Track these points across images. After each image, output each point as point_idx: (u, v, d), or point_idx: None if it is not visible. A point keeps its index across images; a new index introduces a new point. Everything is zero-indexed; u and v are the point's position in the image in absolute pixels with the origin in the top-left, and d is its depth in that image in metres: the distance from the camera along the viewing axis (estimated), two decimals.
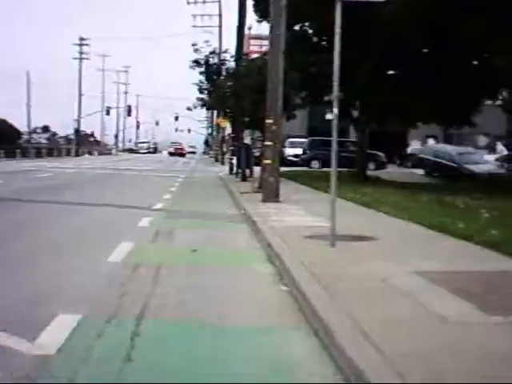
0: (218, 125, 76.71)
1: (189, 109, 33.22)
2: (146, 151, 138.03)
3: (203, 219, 16.76)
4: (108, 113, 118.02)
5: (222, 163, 64.20)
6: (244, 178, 32.36)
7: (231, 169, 40.16)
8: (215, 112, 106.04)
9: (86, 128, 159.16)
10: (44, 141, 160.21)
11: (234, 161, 38.91)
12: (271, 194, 19.71)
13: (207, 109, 37.46)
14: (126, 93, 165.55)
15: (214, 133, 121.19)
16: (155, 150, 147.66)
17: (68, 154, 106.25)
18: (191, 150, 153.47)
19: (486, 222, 14.42)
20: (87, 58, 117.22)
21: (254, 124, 25.28)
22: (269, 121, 20.02)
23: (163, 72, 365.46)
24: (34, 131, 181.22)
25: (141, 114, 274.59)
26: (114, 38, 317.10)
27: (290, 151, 60.89)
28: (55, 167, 48.37)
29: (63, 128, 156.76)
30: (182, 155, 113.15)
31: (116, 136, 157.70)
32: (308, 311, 7.08)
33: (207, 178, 38.14)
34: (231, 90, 26.95)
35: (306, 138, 64.12)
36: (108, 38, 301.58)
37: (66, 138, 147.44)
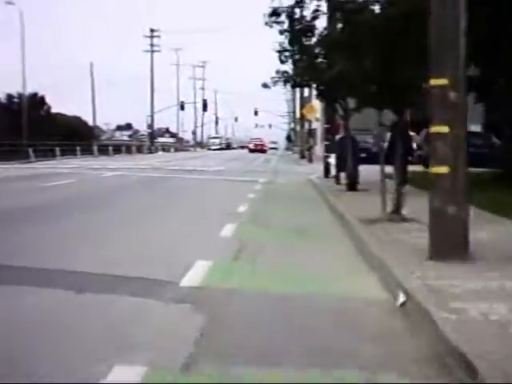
0: (302, 117, 65.55)
1: (265, 86, 22.18)
2: (217, 147, 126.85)
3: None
4: (182, 108, 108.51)
5: (310, 161, 53.20)
6: (352, 186, 21.39)
7: (327, 170, 29.21)
8: (298, 101, 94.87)
9: (163, 124, 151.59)
10: (126, 138, 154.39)
11: (332, 160, 27.87)
12: (452, 245, 8.63)
13: (293, 86, 25.54)
14: (202, 88, 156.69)
15: (298, 127, 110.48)
16: (228, 146, 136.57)
17: (139, 151, 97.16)
18: (273, 145, 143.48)
19: None
20: (158, 51, 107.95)
21: (380, 99, 13.85)
22: (439, 82, 8.95)
23: (242, 64, 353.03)
24: (118, 129, 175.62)
25: (219, 109, 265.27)
26: (187, 29, 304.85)
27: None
28: (104, 167, 38.31)
29: (141, 124, 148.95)
30: (263, 151, 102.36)
31: (194, 132, 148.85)
32: None
33: (295, 185, 27.13)
34: (335, 39, 15.53)
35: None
36: (181, 31, 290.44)
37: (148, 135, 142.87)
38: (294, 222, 14.39)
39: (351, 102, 22.12)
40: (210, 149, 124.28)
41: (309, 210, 16.95)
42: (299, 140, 67.54)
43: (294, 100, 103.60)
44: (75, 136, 74.16)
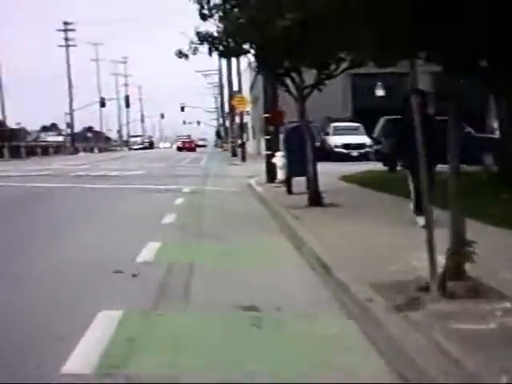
0: (232, 109, 58.60)
1: (181, 54, 14.75)
2: (139, 147, 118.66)
3: None
4: (103, 105, 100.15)
5: (243, 159, 46.25)
6: (316, 200, 14.48)
7: (270, 173, 22.31)
8: (227, 94, 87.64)
9: (89, 123, 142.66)
10: (52, 139, 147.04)
11: (278, 160, 21.02)
12: None
13: (221, 54, 15.61)
14: (126, 85, 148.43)
15: (227, 122, 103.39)
16: (151, 145, 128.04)
17: (56, 152, 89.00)
18: (202, 143, 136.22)
19: None
20: (74, 45, 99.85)
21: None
22: None
23: (166, 58, 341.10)
24: (43, 129, 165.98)
25: (145, 107, 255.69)
26: (106, 21, 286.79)
27: (335, 140, 43.25)
28: None
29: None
30: (192, 149, 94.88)
31: (118, 131, 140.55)
32: None
33: (232, 196, 19.97)
34: None
35: (352, 121, 46.29)
36: (100, 22, 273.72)
37: (80, 136, 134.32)
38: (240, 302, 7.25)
39: (308, 77, 15.34)
40: (131, 148, 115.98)
41: (264, 259, 9.72)
42: (230, 136, 60.51)
43: (221, 93, 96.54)
44: None
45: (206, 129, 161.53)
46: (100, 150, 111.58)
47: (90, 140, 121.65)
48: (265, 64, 15.26)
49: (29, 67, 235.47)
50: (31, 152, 78.60)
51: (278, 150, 22.36)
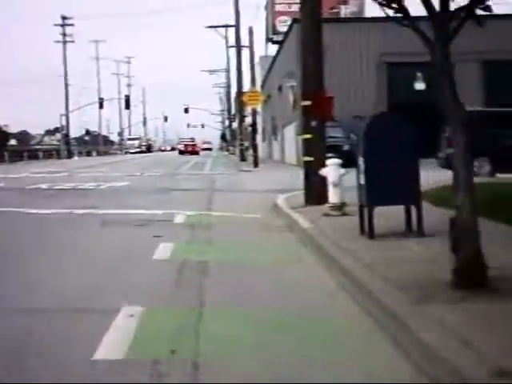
0: (241, 106, 50.19)
1: None
2: (135, 150, 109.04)
3: None
4: (101, 106, 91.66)
5: (255, 164, 37.83)
6: (474, 275, 6.07)
7: (313, 193, 13.90)
8: (233, 95, 79.55)
9: (92, 126, 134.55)
10: (56, 142, 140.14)
11: (331, 171, 12.64)
12: None
13: None
14: (129, 85, 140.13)
15: (234, 124, 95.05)
16: (149, 149, 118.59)
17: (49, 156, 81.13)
18: (206, 146, 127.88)
19: None
20: (72, 41, 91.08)
21: None
22: None
23: (170, 59, 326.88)
24: (47, 133, 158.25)
25: (148, 109, 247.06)
26: (107, 15, 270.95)
27: None
28: None
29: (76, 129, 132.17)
30: (196, 153, 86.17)
31: (119, 133, 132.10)
32: None
33: (264, 245, 10.69)
34: None
35: None
36: (100, 17, 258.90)
37: (79, 139, 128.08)
38: None
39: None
40: (128, 152, 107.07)
41: None
42: (238, 138, 52.15)
43: (228, 93, 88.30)
44: None
45: (211, 132, 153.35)
46: (98, 154, 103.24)
47: (88, 143, 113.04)
48: None
49: (33, 67, 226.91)
50: (19, 156, 71.11)
51: (323, 155, 14.13)
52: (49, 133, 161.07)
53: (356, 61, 38.62)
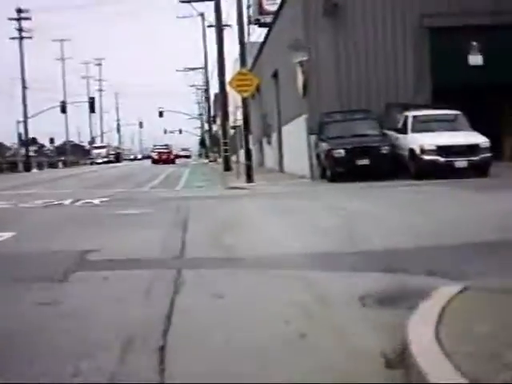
0: (224, 97, 38.19)
1: None
2: (102, 160, 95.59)
3: None
4: (64, 110, 79.26)
5: (249, 178, 25.99)
6: None
7: None
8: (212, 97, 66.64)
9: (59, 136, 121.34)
10: (32, 154, 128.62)
11: None
12: None
13: None
14: (100, 90, 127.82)
15: (215, 127, 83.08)
16: (117, 158, 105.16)
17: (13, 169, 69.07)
18: (184, 153, 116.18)
19: None
20: (29, 37, 78.60)
21: None
22: None
23: (141, 59, 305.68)
24: (22, 144, 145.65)
25: (122, 114, 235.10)
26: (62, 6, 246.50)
27: (420, 140, 23.50)
28: None
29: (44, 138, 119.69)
30: (170, 162, 73.75)
31: (90, 142, 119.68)
32: None
33: None
34: None
35: (431, 107, 26.33)
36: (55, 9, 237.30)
37: (56, 150, 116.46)
38: None
39: None
40: (94, 162, 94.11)
41: None
42: (221, 141, 40.24)
43: (207, 90, 76.55)
44: None
45: (189, 138, 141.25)
46: (65, 165, 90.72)
47: (67, 153, 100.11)
48: None
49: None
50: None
51: None
52: (23, 144, 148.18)
53: (386, 25, 26.76)
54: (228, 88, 37.42)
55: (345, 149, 22.87)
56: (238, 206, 16.45)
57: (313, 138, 25.75)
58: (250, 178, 26.18)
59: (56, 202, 18.68)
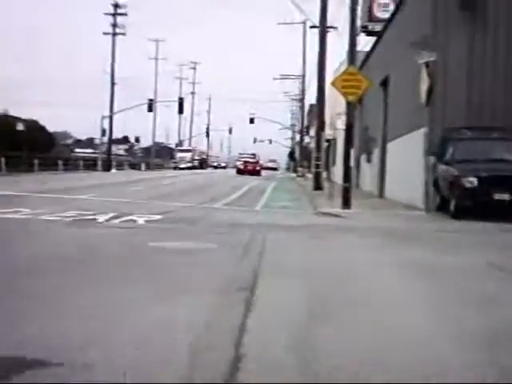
0: (321, 104, 33.02)
1: None
2: (186, 165, 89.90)
3: None
4: (150, 109, 75.46)
5: (346, 202, 20.57)
6: None
7: None
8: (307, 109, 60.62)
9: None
10: (122, 152, 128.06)
11: None
12: None
13: None
14: (192, 93, 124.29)
15: (307, 138, 78.00)
16: (202, 165, 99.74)
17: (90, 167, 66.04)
18: (271, 165, 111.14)
19: None
20: (123, 33, 75.20)
21: None
22: None
23: (237, 64, 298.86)
24: (113, 142, 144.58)
25: (213, 118, 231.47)
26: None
27: None
28: None
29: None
30: (256, 173, 68.55)
31: (177, 144, 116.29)
32: None
33: None
34: None
35: None
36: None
37: (146, 150, 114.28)
38: None
39: None
40: (177, 167, 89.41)
41: None
42: (314, 155, 35.03)
43: (302, 99, 71.47)
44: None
45: (279, 149, 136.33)
46: (148, 167, 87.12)
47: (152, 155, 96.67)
48: None
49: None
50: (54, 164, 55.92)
51: None
52: (117, 142, 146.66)
53: None
54: (327, 94, 32.22)
55: (478, 177, 17.27)
56: (336, 247, 11.13)
57: (431, 158, 20.25)
58: (346, 204, 20.81)
59: (88, 217, 13.79)
